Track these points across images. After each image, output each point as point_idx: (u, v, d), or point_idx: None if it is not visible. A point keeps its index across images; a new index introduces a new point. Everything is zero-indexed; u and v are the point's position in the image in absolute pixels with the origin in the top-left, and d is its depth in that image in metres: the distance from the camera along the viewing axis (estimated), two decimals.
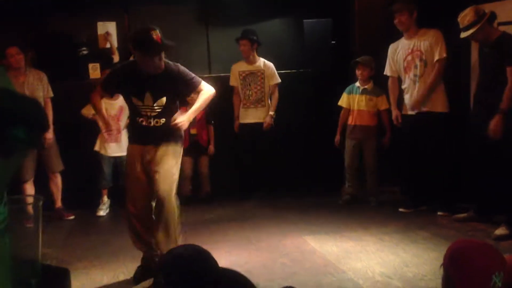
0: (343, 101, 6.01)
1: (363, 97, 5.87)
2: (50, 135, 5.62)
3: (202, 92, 3.95)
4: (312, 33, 6.63)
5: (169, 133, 3.87)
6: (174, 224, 3.86)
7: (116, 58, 6.73)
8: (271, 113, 6.24)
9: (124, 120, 5.94)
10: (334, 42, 6.64)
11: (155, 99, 3.79)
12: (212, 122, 6.31)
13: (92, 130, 5.98)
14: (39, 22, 6.38)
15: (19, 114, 0.90)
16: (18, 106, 0.91)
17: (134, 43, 3.68)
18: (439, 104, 5.27)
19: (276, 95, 6.27)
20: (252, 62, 6.23)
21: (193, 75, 3.92)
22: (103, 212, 5.99)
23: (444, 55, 5.16)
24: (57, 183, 5.80)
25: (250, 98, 6.25)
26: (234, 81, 6.27)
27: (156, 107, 3.81)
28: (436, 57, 5.18)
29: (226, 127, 6.33)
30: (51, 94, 5.70)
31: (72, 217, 5.81)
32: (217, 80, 6.16)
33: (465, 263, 1.95)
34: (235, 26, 6.42)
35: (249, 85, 6.23)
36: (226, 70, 6.43)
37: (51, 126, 5.62)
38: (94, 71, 6.46)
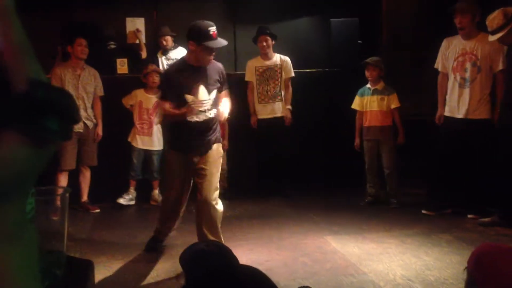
0: (356, 104, 6.00)
1: (375, 97, 5.85)
2: (100, 131, 5.77)
3: (227, 99, 4.14)
4: (338, 33, 6.62)
5: (213, 134, 4.07)
6: (219, 224, 4.13)
7: (144, 54, 6.80)
8: (289, 107, 6.24)
9: (158, 116, 6.01)
10: (360, 42, 6.60)
11: (209, 91, 3.98)
12: (228, 117, 6.32)
13: (122, 124, 6.06)
14: (69, 16, 6.47)
15: (52, 105, 0.90)
16: (51, 97, 0.91)
17: (191, 33, 3.87)
18: (486, 111, 5.10)
19: (290, 89, 6.28)
20: (269, 57, 6.23)
21: None
22: (123, 201, 6.00)
23: (505, 66, 4.96)
24: (86, 177, 5.88)
25: (268, 93, 6.24)
26: (250, 77, 6.25)
27: (210, 100, 3.99)
28: (500, 67, 4.97)
29: (246, 123, 6.32)
30: (102, 93, 5.83)
31: (97, 211, 5.86)
32: (243, 77, 6.21)
33: (490, 267, 1.93)
34: (262, 24, 6.42)
35: (267, 80, 6.22)
36: None
37: (101, 123, 5.75)
38: (122, 66, 6.54)
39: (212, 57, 3.95)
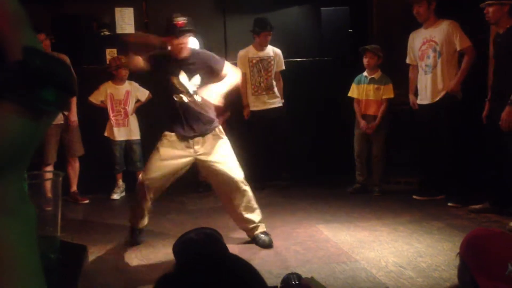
0: (353, 92, 5.96)
1: (371, 86, 5.83)
2: (74, 117, 5.68)
3: (229, 75, 4.10)
4: (329, 21, 6.60)
5: (207, 118, 4.14)
6: (254, 198, 4.23)
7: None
8: (282, 101, 6.24)
9: (131, 105, 6.00)
10: (351, 30, 6.59)
11: (190, 77, 4.07)
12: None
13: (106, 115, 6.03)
14: (56, 5, 6.40)
15: (48, 75, 0.88)
16: (48, 66, 0.89)
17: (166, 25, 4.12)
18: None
19: (281, 82, 6.27)
20: (263, 49, 6.17)
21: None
22: (117, 195, 6.07)
23: (469, 43, 5.11)
24: (75, 168, 5.85)
25: (261, 85, 6.17)
26: (242, 68, 6.09)
27: (192, 85, 4.07)
28: (459, 47, 5.13)
29: (238, 114, 6.28)
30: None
31: (86, 201, 5.86)
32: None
33: (482, 251, 1.94)
34: (253, 13, 6.38)
35: (260, 71, 6.15)
36: None
37: (75, 110, 5.67)
38: (112, 56, 6.47)
39: (182, 43, 4.00)
